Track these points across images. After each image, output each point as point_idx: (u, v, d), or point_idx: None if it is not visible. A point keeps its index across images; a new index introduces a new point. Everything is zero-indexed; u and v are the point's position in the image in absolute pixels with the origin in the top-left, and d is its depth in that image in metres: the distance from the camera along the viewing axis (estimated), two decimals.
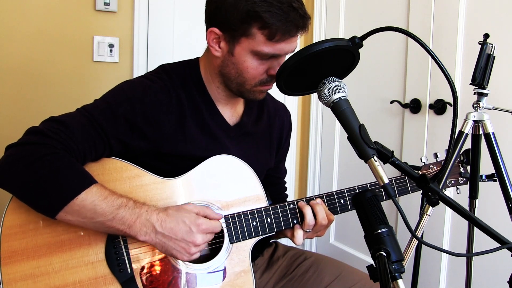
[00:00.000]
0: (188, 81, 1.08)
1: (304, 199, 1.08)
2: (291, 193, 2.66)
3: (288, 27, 0.95)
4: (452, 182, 1.26)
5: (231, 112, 1.14)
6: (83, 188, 0.87)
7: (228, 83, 1.07)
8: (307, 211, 1.04)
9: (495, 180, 1.32)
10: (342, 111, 0.76)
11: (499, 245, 0.66)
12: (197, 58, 1.14)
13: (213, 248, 1.03)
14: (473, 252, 1.44)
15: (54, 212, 0.87)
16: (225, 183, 1.06)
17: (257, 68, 1.01)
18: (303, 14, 0.96)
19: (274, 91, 1.10)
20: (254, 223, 1.04)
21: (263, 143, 1.21)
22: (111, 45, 2.10)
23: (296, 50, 0.87)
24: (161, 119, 1.01)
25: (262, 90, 1.06)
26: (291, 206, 1.07)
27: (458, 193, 1.25)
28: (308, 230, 1.06)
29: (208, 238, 0.96)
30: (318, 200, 1.07)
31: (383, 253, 0.65)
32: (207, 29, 1.03)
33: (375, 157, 0.71)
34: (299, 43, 2.76)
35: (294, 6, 0.95)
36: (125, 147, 1.00)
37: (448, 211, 1.80)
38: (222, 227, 1.01)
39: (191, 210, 0.95)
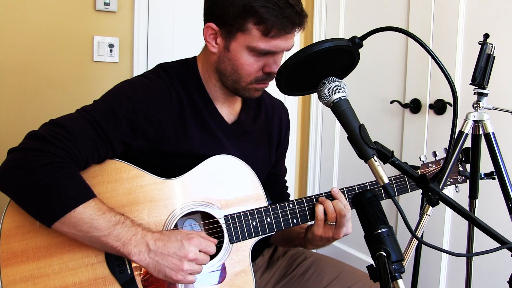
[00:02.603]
0: (187, 79, 1.08)
1: (304, 198, 1.07)
2: (291, 193, 2.66)
3: (283, 23, 0.95)
4: (451, 180, 1.26)
5: (229, 110, 1.14)
6: (81, 201, 0.87)
7: (224, 80, 1.06)
8: (328, 205, 1.03)
9: (493, 178, 1.32)
10: (342, 111, 0.76)
11: (499, 245, 0.66)
12: (195, 57, 1.14)
13: None
14: (473, 252, 1.44)
15: (51, 221, 0.87)
16: (224, 183, 1.06)
17: (252, 65, 1.01)
18: (299, 11, 0.96)
19: (274, 91, 1.10)
20: (254, 223, 1.04)
21: (262, 141, 1.21)
22: (111, 45, 2.10)
23: (295, 50, 0.87)
24: (162, 118, 1.01)
25: (258, 88, 1.06)
26: (291, 206, 1.07)
27: (457, 192, 1.25)
28: (331, 223, 1.04)
29: (202, 257, 0.92)
30: (335, 189, 1.07)
31: (383, 253, 0.65)
32: (204, 25, 1.04)
33: (375, 157, 0.71)
34: (299, 43, 2.75)
35: (290, 3, 0.95)
36: (127, 147, 1.00)
37: (448, 211, 1.80)
38: (215, 248, 0.97)
39: (184, 230, 0.95)
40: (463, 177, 1.26)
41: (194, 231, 0.96)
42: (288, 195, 1.35)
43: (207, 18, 1.03)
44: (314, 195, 1.08)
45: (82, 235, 0.88)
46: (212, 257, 1.02)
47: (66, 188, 0.87)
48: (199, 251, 0.92)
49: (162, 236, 0.91)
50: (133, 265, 0.96)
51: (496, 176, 1.31)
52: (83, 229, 0.87)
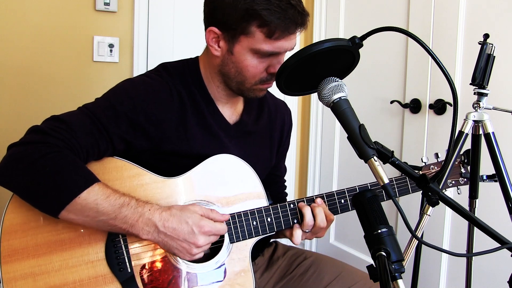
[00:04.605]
0: (188, 79, 1.08)
1: (304, 199, 1.08)
2: (291, 193, 2.66)
3: (287, 24, 0.95)
4: (453, 182, 1.25)
5: (230, 111, 1.14)
6: (85, 187, 0.87)
7: (228, 82, 1.07)
8: (307, 212, 1.04)
9: (496, 181, 1.32)
10: (342, 111, 0.76)
11: (499, 245, 0.66)
12: (197, 57, 1.14)
13: (213, 248, 1.03)
14: (473, 252, 1.44)
15: (57, 211, 0.87)
16: (225, 183, 1.06)
17: (257, 67, 1.01)
18: (301, 11, 0.96)
19: (274, 91, 1.10)
20: (254, 223, 1.04)
21: (264, 142, 1.21)
22: (111, 45, 2.10)
23: (296, 49, 0.88)
24: (163, 118, 1.02)
25: (262, 88, 1.06)
26: (291, 206, 1.07)
27: (458, 193, 1.25)
28: (307, 231, 1.06)
29: (211, 239, 0.96)
30: (319, 200, 1.07)
31: (383, 253, 0.65)
32: (206, 29, 1.04)
33: (375, 157, 0.71)
34: (299, 42, 2.76)
35: (292, 4, 0.95)
36: (128, 145, 1.00)
37: (448, 211, 1.80)
38: (227, 229, 1.00)
39: (195, 211, 0.95)
40: (465, 179, 1.26)
41: (205, 212, 0.96)
42: (286, 194, 1.36)
43: (209, 22, 1.03)
44: (315, 195, 1.08)
45: (90, 220, 0.89)
46: (212, 256, 1.02)
47: (68, 175, 0.88)
48: (210, 235, 0.95)
49: (171, 217, 0.92)
50: (133, 263, 0.96)
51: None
52: (90, 214, 0.88)
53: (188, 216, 0.93)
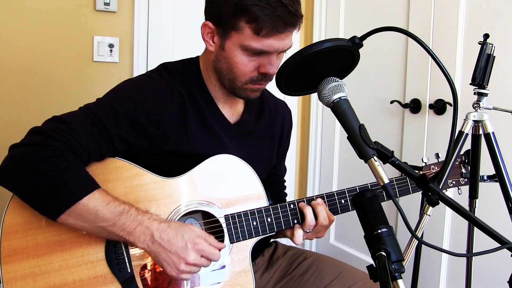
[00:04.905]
0: (189, 79, 1.08)
1: (304, 199, 1.08)
2: (291, 193, 2.66)
3: (275, 22, 0.94)
4: (454, 182, 1.25)
5: (230, 110, 1.14)
6: (86, 193, 0.87)
7: (222, 80, 1.07)
8: (308, 211, 1.04)
9: (496, 181, 1.32)
10: (342, 111, 0.76)
11: (499, 245, 0.66)
12: (198, 57, 1.14)
13: None
14: (473, 252, 1.44)
15: (56, 214, 0.87)
16: (225, 183, 1.06)
17: (246, 65, 1.01)
18: (293, 11, 0.95)
19: (274, 91, 1.10)
20: (255, 223, 1.04)
21: (265, 142, 1.21)
22: (111, 45, 2.10)
23: (295, 50, 0.87)
24: (164, 118, 1.01)
25: (254, 88, 1.05)
26: (292, 206, 1.07)
27: (459, 194, 1.24)
28: (308, 231, 1.06)
29: (203, 262, 0.94)
30: (319, 200, 1.07)
31: (383, 253, 0.65)
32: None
33: (375, 157, 0.71)
34: (298, 43, 2.75)
35: (283, 2, 0.94)
36: (128, 145, 1.00)
37: (448, 211, 1.80)
38: (220, 256, 0.98)
39: (193, 230, 0.94)
40: (466, 179, 1.26)
41: (203, 234, 0.96)
42: (286, 194, 1.36)
43: (206, 17, 1.04)
44: (316, 195, 1.08)
45: (88, 226, 0.89)
46: None
47: (70, 180, 0.88)
48: (202, 256, 0.93)
49: (169, 229, 0.92)
50: (133, 264, 0.96)
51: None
52: (89, 219, 0.88)
53: (186, 231, 0.93)
